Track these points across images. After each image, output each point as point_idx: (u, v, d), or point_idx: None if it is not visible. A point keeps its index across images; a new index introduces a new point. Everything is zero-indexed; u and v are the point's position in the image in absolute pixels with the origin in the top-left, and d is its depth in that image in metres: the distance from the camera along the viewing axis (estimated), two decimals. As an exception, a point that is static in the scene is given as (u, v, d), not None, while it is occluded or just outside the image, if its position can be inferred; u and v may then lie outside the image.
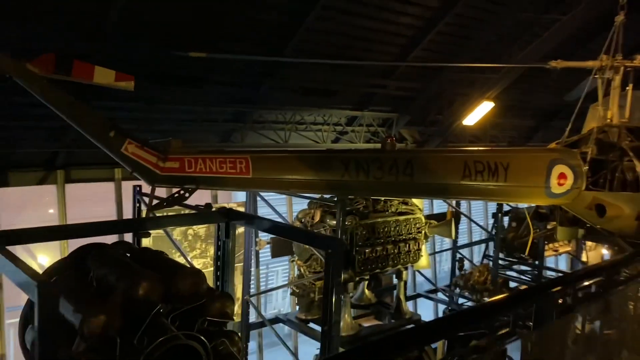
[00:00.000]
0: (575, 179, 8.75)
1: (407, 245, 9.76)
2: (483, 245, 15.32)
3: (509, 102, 18.00)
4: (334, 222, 9.02)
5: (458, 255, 14.58)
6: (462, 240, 20.09)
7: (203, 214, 6.11)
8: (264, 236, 10.21)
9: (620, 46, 9.65)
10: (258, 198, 10.69)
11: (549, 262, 24.73)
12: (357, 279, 9.50)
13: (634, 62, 9.55)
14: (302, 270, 9.36)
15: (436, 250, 17.92)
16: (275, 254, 10.58)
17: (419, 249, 10.28)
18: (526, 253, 11.55)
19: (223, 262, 6.06)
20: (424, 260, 11.09)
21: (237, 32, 9.83)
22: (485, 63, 12.01)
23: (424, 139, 14.80)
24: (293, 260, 9.65)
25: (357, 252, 9.04)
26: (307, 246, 9.16)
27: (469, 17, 12.16)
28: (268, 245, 10.37)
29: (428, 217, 11.50)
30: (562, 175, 8.67)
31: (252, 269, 12.54)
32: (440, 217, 13.19)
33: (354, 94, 13.35)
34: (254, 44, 10.27)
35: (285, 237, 7.57)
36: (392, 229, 9.61)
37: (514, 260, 14.64)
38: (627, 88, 9.89)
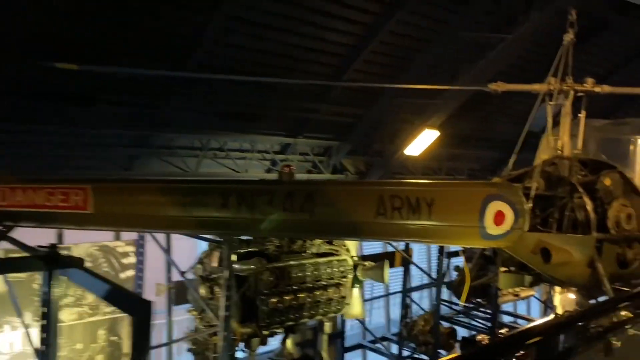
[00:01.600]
0: (516, 219, 7.77)
1: (327, 292, 8.65)
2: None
3: (467, 131, 17.28)
4: (238, 265, 7.94)
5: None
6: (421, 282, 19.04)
7: (17, 260, 4.97)
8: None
9: (570, 68, 8.85)
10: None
11: (521, 307, 23.79)
12: (267, 332, 8.35)
13: (585, 86, 8.72)
14: (197, 322, 8.19)
15: (388, 292, 16.90)
16: (180, 301, 9.42)
17: (344, 297, 9.19)
18: (461, 300, 10.53)
19: (48, 320, 4.88)
20: (356, 308, 10.03)
21: (130, 44, 8.81)
22: (427, 87, 11.13)
23: (371, 171, 13.86)
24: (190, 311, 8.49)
25: (261, 302, 7.93)
26: (202, 292, 8.07)
27: (407, 35, 11.40)
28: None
29: (364, 257, 10.51)
30: (499, 214, 7.70)
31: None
32: (378, 257, 12.21)
33: (284, 118, 12.41)
34: (150, 57, 9.24)
35: (97, 294, 6.42)
36: (308, 273, 8.54)
37: (469, 306, 13.68)
38: (580, 115, 9.07)
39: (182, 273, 8.39)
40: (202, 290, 7.90)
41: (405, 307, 12.64)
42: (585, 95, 9.00)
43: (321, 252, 9.06)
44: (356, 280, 9.81)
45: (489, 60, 11.06)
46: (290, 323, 8.35)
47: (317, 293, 8.59)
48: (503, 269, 9.04)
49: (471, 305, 13.78)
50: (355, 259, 9.90)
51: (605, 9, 14.51)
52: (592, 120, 9.66)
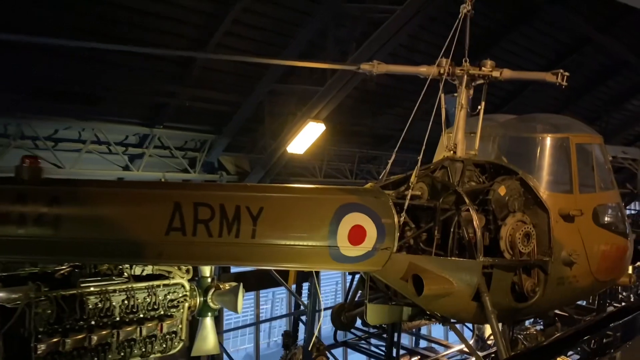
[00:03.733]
0: (381, 236, 6.27)
1: (141, 329, 6.84)
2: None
3: (386, 130, 15.84)
4: (2, 293, 6.08)
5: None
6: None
7: None
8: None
9: (467, 47, 7.35)
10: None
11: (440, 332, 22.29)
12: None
13: (483, 69, 7.23)
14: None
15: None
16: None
17: (175, 332, 7.41)
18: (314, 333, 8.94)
19: None
20: (209, 342, 8.34)
21: None
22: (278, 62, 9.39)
23: (255, 171, 12.10)
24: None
25: (36, 343, 6.07)
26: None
27: (278, 4, 9.69)
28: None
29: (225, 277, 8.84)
30: (357, 230, 6.16)
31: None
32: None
33: (135, 102, 10.49)
34: None
35: None
36: (115, 303, 6.71)
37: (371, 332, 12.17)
38: (479, 107, 7.57)
39: None
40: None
41: (286, 335, 10.95)
42: (485, 82, 7.56)
43: (146, 274, 7.25)
44: (207, 309, 8.12)
45: (377, 39, 9.48)
46: (90, 370, 6.48)
47: (130, 329, 6.77)
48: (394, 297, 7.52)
49: (374, 330, 12.32)
50: (208, 281, 8.20)
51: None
52: (494, 115, 8.26)
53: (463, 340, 7.45)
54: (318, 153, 13.83)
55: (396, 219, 6.34)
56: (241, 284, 8.30)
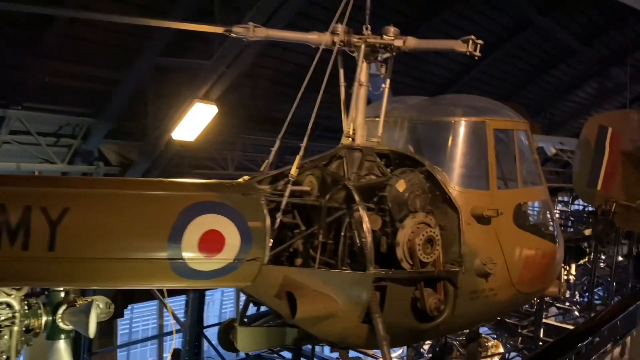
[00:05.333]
0: (246, 243, 5.05)
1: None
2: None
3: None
4: None
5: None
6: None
7: None
8: None
9: (368, 12, 6.21)
10: None
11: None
12: None
13: (384, 38, 6.08)
14: None
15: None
16: None
17: (-2, 364, 6.01)
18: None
19: None
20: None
21: None
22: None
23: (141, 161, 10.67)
24: None
25: None
26: None
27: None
28: None
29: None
30: (212, 236, 4.94)
31: None
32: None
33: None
34: None
35: None
36: None
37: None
38: (383, 86, 6.44)
39: None
40: None
41: (175, 354, 9.63)
42: (391, 55, 6.42)
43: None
44: (58, 330, 6.74)
45: (266, 4, 8.19)
46: None
47: None
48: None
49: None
50: (60, 295, 6.82)
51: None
52: (404, 97, 7.14)
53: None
54: (229, 142, 12.52)
55: (268, 222, 5.11)
56: (94, 300, 6.97)
